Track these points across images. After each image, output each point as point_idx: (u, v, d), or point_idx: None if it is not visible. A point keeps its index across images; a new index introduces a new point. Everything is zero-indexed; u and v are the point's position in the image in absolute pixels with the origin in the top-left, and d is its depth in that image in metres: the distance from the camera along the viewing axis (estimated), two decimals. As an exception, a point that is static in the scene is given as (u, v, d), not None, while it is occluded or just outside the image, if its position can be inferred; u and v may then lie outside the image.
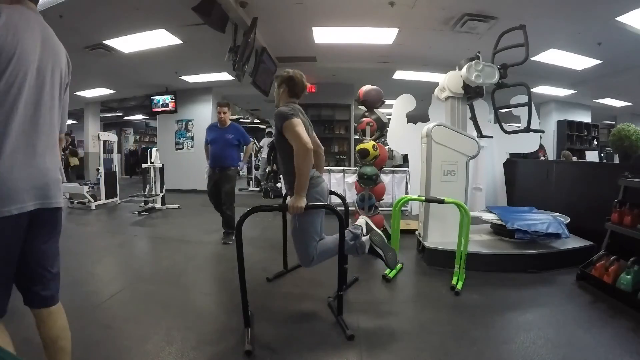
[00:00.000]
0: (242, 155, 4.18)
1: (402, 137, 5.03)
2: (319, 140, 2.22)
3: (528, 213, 3.38)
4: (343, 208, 2.49)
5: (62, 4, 3.70)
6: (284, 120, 1.86)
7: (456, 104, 3.37)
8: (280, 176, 6.31)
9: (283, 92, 2.06)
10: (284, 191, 3.96)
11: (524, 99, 3.35)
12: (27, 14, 1.15)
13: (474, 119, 3.52)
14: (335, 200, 3.56)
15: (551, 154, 8.13)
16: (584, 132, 9.08)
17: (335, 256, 2.01)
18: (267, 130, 10.39)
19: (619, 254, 2.49)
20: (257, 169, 9.24)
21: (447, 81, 3.34)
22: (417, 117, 5.04)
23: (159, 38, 4.86)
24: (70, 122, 13.54)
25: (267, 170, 8.56)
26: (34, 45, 1.13)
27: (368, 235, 2.21)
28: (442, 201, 2.63)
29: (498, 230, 3.31)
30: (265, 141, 9.09)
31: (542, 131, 4.16)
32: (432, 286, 2.67)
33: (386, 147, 4.85)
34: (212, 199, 3.89)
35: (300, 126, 1.85)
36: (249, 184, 9.45)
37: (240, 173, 5.81)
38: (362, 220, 2.31)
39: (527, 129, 3.21)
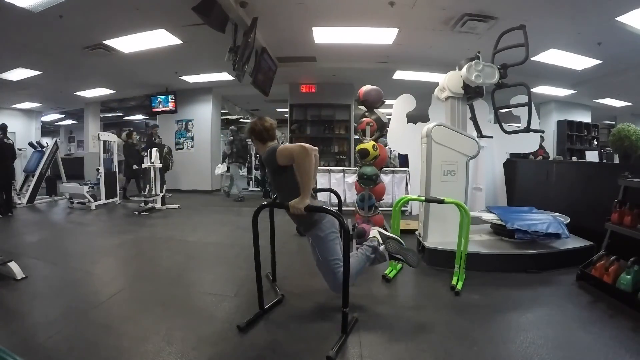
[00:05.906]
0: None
1: (402, 137, 5.03)
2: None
3: (528, 213, 3.38)
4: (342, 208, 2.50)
5: (62, 4, 3.70)
6: (273, 153, 1.95)
7: (456, 104, 3.37)
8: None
9: (262, 144, 2.16)
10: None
11: (524, 99, 3.35)
12: None
13: (474, 119, 3.51)
14: (334, 200, 3.55)
15: (552, 154, 8.12)
16: (584, 132, 9.09)
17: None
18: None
19: (619, 254, 2.49)
20: (257, 169, 9.18)
21: (447, 81, 3.34)
22: (417, 117, 5.05)
23: (159, 38, 4.86)
24: (70, 122, 13.58)
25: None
26: None
27: (384, 245, 2.28)
28: (442, 201, 2.63)
29: (498, 230, 3.31)
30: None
31: (542, 131, 4.16)
32: (432, 286, 2.67)
33: (386, 148, 4.85)
34: None
35: (285, 145, 1.98)
36: (249, 184, 9.43)
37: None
38: (374, 232, 2.38)
39: (527, 129, 3.21)
